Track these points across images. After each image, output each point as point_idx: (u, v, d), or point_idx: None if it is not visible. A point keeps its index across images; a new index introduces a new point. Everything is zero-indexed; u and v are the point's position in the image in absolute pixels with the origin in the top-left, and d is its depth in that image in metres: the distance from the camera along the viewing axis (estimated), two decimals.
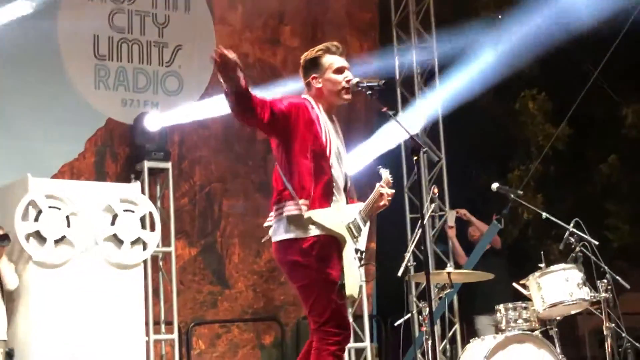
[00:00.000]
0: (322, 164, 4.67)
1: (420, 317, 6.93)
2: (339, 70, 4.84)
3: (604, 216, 13.14)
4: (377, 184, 4.88)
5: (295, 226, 4.60)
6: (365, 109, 11.24)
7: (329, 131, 4.77)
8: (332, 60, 4.86)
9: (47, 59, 9.31)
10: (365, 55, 11.38)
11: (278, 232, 4.66)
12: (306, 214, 4.55)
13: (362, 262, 4.72)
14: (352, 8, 11.59)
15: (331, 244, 4.62)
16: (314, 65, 4.86)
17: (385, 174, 4.92)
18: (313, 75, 4.85)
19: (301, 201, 4.56)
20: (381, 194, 4.83)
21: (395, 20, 11.66)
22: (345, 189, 4.84)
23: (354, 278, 4.62)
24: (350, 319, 4.82)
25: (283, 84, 9.92)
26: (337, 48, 4.92)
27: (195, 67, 10.21)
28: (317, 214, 4.57)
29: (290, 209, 4.62)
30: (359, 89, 4.81)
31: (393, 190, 4.88)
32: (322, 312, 4.57)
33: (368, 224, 4.86)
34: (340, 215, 4.67)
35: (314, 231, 4.58)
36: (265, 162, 10.33)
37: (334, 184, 4.72)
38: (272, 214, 4.73)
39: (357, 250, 4.69)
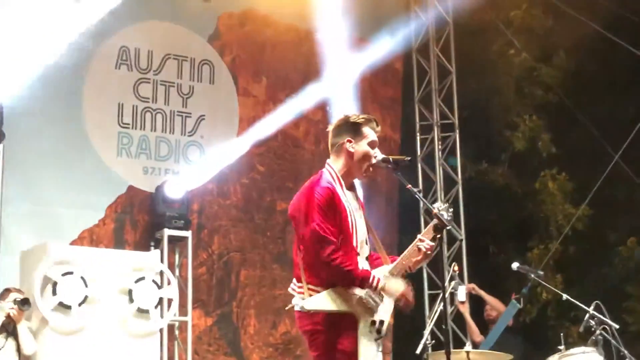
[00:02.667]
0: (350, 247, 4.67)
1: None
2: (372, 144, 4.84)
3: (623, 299, 13.00)
4: (418, 236, 4.76)
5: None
6: (387, 182, 11.25)
7: (351, 208, 4.75)
8: (370, 132, 4.85)
9: (72, 125, 9.40)
10: (388, 129, 11.45)
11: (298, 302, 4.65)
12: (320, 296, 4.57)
13: (380, 334, 4.61)
14: (376, 83, 11.69)
15: (346, 316, 4.58)
16: (353, 130, 4.83)
17: (440, 211, 4.71)
18: (349, 139, 4.81)
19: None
20: (419, 249, 4.71)
21: (418, 97, 11.76)
22: (368, 255, 4.82)
23: (368, 356, 4.55)
24: None
25: (303, 156, 10.07)
26: (377, 124, 4.93)
27: (217, 138, 10.27)
28: (326, 297, 4.56)
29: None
30: (385, 165, 4.81)
31: (433, 244, 4.70)
32: None
33: (401, 283, 4.72)
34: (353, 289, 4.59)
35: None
36: (284, 234, 10.33)
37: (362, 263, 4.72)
38: (297, 284, 4.72)
39: (373, 322, 4.60)
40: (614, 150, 11.07)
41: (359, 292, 4.58)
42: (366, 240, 4.85)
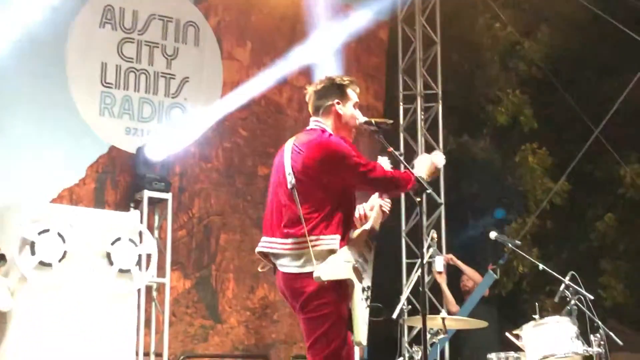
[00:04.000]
0: (353, 205, 4.77)
1: None
2: (355, 105, 4.92)
3: (599, 274, 13.13)
4: (378, 202, 4.88)
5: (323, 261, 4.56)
6: (369, 152, 11.27)
7: None
8: (353, 94, 4.93)
9: (55, 83, 9.34)
10: (372, 99, 11.47)
11: (298, 264, 4.61)
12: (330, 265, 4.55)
13: (369, 300, 4.65)
14: (361, 52, 11.70)
15: (340, 282, 4.59)
16: (340, 91, 4.89)
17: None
18: (337, 101, 4.86)
19: (336, 236, 4.59)
20: (383, 211, 4.87)
21: (402, 66, 11.78)
22: None
23: (362, 323, 4.56)
24: None
25: (286, 122, 10.06)
26: (357, 86, 4.99)
27: (201, 100, 10.26)
28: (327, 269, 4.52)
29: (325, 243, 4.58)
30: (368, 127, 4.85)
31: (389, 201, 4.91)
32: (325, 347, 4.53)
33: (372, 251, 4.79)
34: (345, 256, 4.60)
35: None
36: (265, 199, 10.31)
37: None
38: (286, 242, 4.65)
39: (364, 289, 4.64)
40: (594, 126, 11.12)
41: (351, 259, 4.62)
42: None
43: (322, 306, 4.57)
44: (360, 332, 4.54)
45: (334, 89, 4.89)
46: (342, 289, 4.57)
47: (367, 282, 4.68)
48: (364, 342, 4.55)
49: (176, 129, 10.00)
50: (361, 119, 4.86)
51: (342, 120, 4.85)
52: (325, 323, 4.55)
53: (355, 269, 4.62)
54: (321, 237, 4.57)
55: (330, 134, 4.78)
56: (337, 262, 4.55)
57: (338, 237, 4.58)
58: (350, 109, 4.87)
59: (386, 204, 4.89)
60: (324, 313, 4.57)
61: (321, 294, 4.56)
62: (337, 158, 4.68)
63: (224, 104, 10.38)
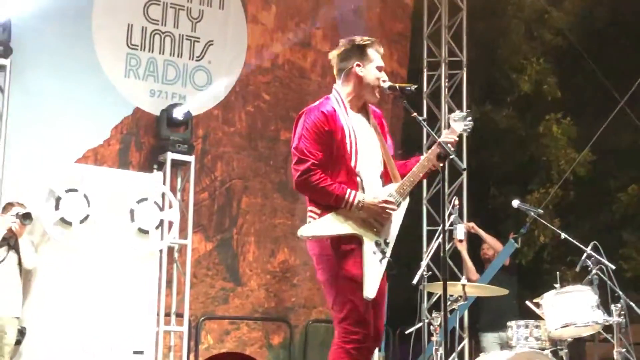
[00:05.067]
0: (345, 167, 4.70)
1: (431, 327, 6.93)
2: (380, 68, 4.86)
3: (620, 245, 13.10)
4: (422, 157, 4.82)
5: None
6: (390, 117, 11.26)
7: (355, 130, 4.75)
8: (376, 55, 4.87)
9: (80, 43, 9.33)
10: (395, 65, 11.43)
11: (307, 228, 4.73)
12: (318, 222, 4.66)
13: (384, 254, 4.65)
14: (385, 18, 11.63)
15: (352, 239, 4.63)
16: (360, 53, 4.83)
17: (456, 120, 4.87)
18: (357, 63, 4.82)
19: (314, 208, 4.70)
20: (424, 165, 4.75)
21: (427, 32, 11.71)
22: (383, 176, 4.83)
23: (372, 278, 4.58)
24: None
25: (309, 86, 10.03)
26: (380, 46, 4.94)
27: (225, 64, 10.26)
28: (324, 222, 4.63)
29: (309, 209, 4.75)
30: (391, 92, 4.83)
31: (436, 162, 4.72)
32: (341, 309, 4.58)
33: (404, 203, 4.77)
34: (346, 213, 4.64)
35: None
36: (286, 163, 10.35)
37: (360, 181, 4.72)
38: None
39: (378, 243, 4.66)
40: (620, 97, 11.04)
41: (360, 213, 4.64)
42: (382, 162, 4.85)
43: (322, 272, 4.70)
44: (367, 286, 4.56)
45: (355, 51, 4.84)
46: (338, 249, 4.61)
47: (385, 235, 4.69)
48: (371, 296, 4.56)
49: (200, 92, 10.01)
50: (385, 83, 4.83)
51: (364, 82, 4.81)
52: (332, 290, 4.65)
53: (368, 223, 4.65)
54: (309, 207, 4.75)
55: (320, 103, 4.80)
56: (326, 220, 4.64)
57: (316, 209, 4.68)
58: (372, 70, 4.82)
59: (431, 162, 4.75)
60: (326, 279, 4.68)
61: (318, 260, 4.70)
62: (295, 126, 4.80)
63: (248, 68, 10.38)
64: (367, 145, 4.80)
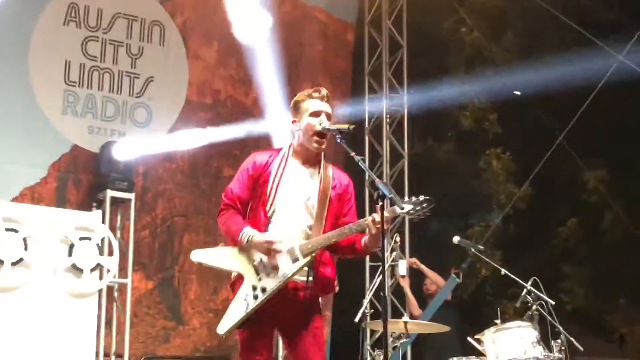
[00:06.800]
0: (262, 212, 4.84)
1: None
2: (315, 114, 4.90)
3: (560, 279, 13.24)
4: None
5: None
6: (334, 157, 11.27)
7: (280, 177, 4.86)
8: (310, 105, 4.94)
9: (17, 79, 9.21)
10: (337, 102, 11.45)
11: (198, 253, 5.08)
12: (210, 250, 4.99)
13: (260, 300, 4.70)
14: (328, 55, 11.66)
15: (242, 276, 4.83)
16: (295, 109, 5.00)
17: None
18: (293, 120, 4.98)
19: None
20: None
21: (368, 69, 11.78)
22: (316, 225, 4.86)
23: (230, 317, 4.73)
24: None
25: (252, 123, 9.99)
26: (317, 92, 4.99)
27: (165, 100, 10.19)
28: (215, 253, 4.94)
29: None
30: (328, 131, 4.86)
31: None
32: None
33: (302, 260, 4.76)
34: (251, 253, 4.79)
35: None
36: None
37: (268, 224, 4.83)
38: None
39: (254, 287, 4.74)
40: (558, 132, 11.19)
41: (252, 252, 4.81)
42: (314, 215, 4.87)
43: None
44: (223, 321, 4.73)
45: (292, 109, 5.04)
46: (237, 283, 4.86)
47: (265, 284, 4.74)
48: (220, 333, 4.73)
49: (140, 129, 9.92)
50: (317, 126, 4.88)
51: (302, 136, 4.92)
52: None
53: (254, 267, 4.77)
54: None
55: (267, 150, 5.13)
56: (217, 251, 4.96)
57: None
58: (306, 120, 4.90)
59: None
60: None
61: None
62: None
63: (189, 104, 10.32)
64: (294, 195, 4.87)
